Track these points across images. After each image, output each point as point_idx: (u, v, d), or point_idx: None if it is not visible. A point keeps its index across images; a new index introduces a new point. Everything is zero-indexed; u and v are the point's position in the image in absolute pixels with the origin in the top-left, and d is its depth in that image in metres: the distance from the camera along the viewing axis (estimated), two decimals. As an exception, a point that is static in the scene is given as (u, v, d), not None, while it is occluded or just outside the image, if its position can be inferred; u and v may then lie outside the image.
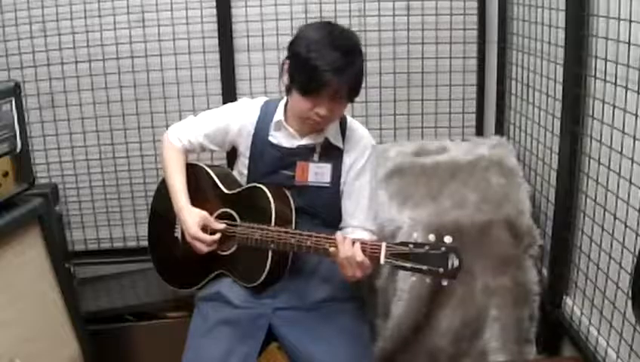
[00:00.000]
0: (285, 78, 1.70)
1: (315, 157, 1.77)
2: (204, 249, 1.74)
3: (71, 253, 2.52)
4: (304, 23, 1.78)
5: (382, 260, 1.51)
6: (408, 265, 1.48)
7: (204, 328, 1.71)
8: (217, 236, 1.75)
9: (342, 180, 1.79)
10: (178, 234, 1.88)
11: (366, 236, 1.76)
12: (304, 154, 1.77)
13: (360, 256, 1.53)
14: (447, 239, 1.45)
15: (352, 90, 1.66)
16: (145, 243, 2.02)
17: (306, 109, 1.66)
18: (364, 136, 1.83)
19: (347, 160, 1.78)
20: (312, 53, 1.59)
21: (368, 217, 1.81)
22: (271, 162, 1.78)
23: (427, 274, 1.47)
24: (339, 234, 1.59)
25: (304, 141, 1.77)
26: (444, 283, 1.47)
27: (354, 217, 1.79)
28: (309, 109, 1.65)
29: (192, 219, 1.75)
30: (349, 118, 1.84)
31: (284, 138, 1.78)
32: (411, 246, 1.48)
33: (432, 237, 1.47)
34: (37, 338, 1.74)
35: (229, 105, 1.94)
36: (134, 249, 2.64)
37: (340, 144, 1.78)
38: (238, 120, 1.83)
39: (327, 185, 1.77)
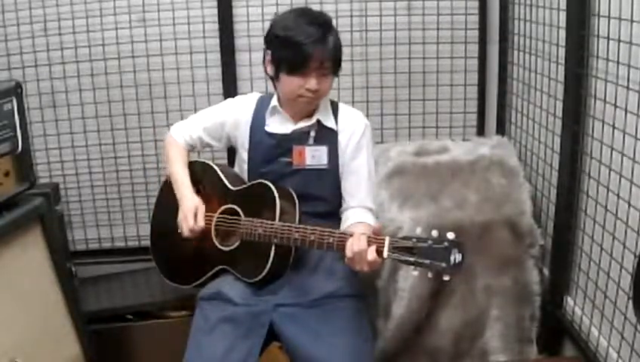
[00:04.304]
0: (269, 69, 1.76)
1: (311, 140, 1.80)
2: (185, 232, 1.77)
3: (72, 252, 2.51)
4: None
5: (385, 254, 1.51)
6: (411, 259, 1.48)
7: (205, 327, 1.71)
8: (200, 227, 1.76)
9: (340, 162, 1.82)
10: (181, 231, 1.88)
11: (367, 216, 1.79)
12: (300, 138, 1.81)
13: (372, 255, 1.51)
14: (450, 235, 1.46)
15: (335, 60, 1.72)
16: (146, 242, 2.02)
17: (296, 87, 1.71)
18: (356, 115, 1.87)
19: (342, 140, 1.82)
20: (290, 32, 1.68)
21: (368, 195, 1.83)
22: (269, 150, 1.82)
23: (430, 268, 1.47)
24: (356, 233, 1.57)
25: (298, 125, 1.81)
26: (446, 278, 1.47)
27: (353, 196, 1.82)
28: (299, 86, 1.70)
29: (190, 201, 1.80)
30: (340, 103, 1.89)
31: (279, 124, 1.82)
32: (414, 240, 1.48)
33: (435, 233, 1.48)
34: (38, 338, 1.74)
35: (227, 100, 1.99)
36: (135, 248, 2.64)
37: (333, 125, 1.82)
38: (234, 113, 1.88)
39: (325, 167, 1.81)
